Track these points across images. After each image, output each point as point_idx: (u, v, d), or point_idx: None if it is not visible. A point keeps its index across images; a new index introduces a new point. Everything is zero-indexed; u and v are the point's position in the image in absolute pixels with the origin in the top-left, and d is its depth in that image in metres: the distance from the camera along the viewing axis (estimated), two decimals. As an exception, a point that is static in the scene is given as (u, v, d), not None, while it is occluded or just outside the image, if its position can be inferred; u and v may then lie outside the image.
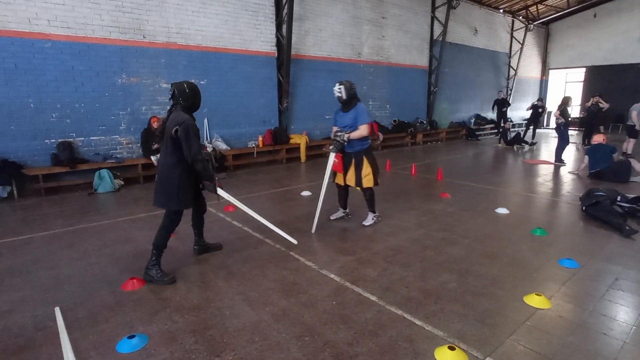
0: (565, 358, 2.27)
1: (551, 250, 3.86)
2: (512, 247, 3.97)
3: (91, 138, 6.82)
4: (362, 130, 4.28)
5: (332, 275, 3.31)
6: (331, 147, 4.39)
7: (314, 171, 8.25)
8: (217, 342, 2.40)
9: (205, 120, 8.09)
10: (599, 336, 2.47)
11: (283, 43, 8.98)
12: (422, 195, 6.24)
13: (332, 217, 4.88)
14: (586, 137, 11.97)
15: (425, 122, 13.40)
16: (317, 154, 9.95)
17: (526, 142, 12.23)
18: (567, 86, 19.42)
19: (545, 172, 8.27)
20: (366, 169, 4.38)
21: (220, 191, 3.40)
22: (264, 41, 8.90)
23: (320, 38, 10.08)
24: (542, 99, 13.94)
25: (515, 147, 12.05)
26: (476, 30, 15.16)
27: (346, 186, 4.62)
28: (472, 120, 15.71)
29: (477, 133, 14.86)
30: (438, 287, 3.11)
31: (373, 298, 2.94)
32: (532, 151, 11.57)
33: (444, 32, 13.14)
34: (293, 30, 9.04)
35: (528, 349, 2.34)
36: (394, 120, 12.45)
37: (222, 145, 8.13)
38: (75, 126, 6.59)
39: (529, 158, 10.24)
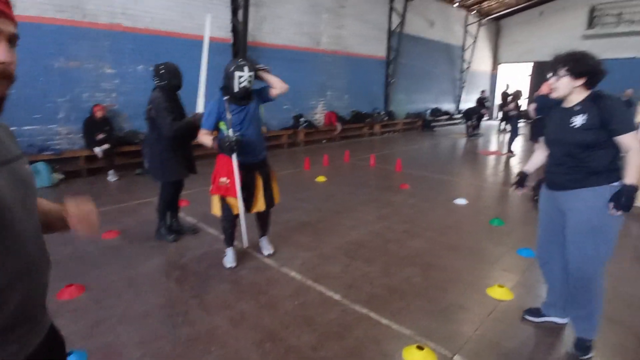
0: (530, 350, 2.27)
1: (509, 240, 3.93)
2: (473, 238, 4.01)
3: (24, 128, 6.13)
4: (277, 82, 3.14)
5: (293, 274, 3.15)
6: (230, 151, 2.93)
7: (271, 163, 7.99)
8: (167, 355, 2.17)
9: (156, 109, 7.56)
10: (560, 326, 2.49)
11: (239, 29, 8.58)
12: (382, 186, 6.21)
13: (228, 266, 3.25)
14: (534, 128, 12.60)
15: (383, 112, 13.50)
16: (275, 144, 9.70)
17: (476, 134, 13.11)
18: (516, 80, 20.34)
19: (497, 163, 8.57)
20: (274, 180, 3.39)
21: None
22: (218, 27, 8.44)
23: (278, 25, 9.75)
24: (484, 91, 14.50)
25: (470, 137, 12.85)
26: (432, 23, 15.42)
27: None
28: (429, 112, 16.05)
29: (433, 124, 15.22)
30: (403, 282, 3.05)
31: (337, 297, 2.81)
32: (483, 141, 12.02)
33: (402, 24, 13.22)
34: (250, 16, 8.66)
35: (494, 343, 2.32)
36: (352, 111, 12.41)
37: (175, 136, 7.66)
38: (4, 115, 5.88)
39: (483, 149, 10.60)
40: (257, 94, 3.12)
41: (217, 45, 8.39)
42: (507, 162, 8.63)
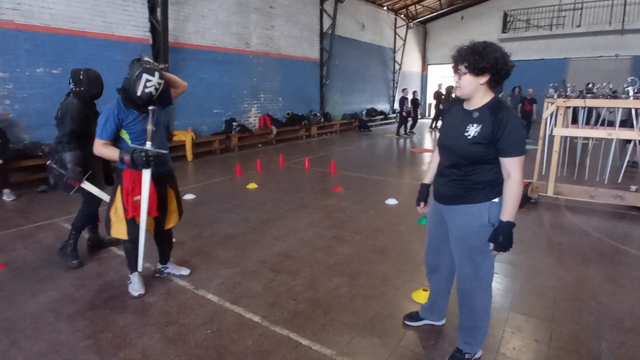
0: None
1: (435, 240, 3.95)
2: (401, 240, 3.98)
3: None
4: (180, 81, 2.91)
5: (209, 296, 2.86)
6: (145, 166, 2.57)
7: (201, 170, 7.55)
8: (41, 417, 1.79)
9: (63, 117, 6.76)
10: (440, 327, 2.49)
11: (158, 29, 8.00)
12: (315, 190, 6.08)
13: (135, 294, 2.85)
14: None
15: (319, 114, 13.46)
16: (205, 151, 9.22)
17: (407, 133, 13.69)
18: (443, 80, 21.41)
19: (429, 160, 8.84)
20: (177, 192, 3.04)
21: (87, 184, 3.13)
22: (134, 25, 7.81)
23: (203, 25, 9.27)
24: (415, 91, 15.09)
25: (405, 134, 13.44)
26: (363, 25, 15.71)
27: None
28: (364, 112, 16.33)
29: (368, 124, 15.50)
30: (328, 295, 2.89)
31: (256, 319, 2.57)
32: (416, 139, 12.45)
33: (333, 25, 13.28)
34: (170, 15, 8.11)
35: (416, 355, 2.22)
36: (288, 113, 12.22)
37: (88, 146, 6.92)
38: None
39: (415, 147, 10.93)
40: (157, 98, 2.78)
41: (134, 46, 7.79)
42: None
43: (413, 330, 2.46)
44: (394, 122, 17.48)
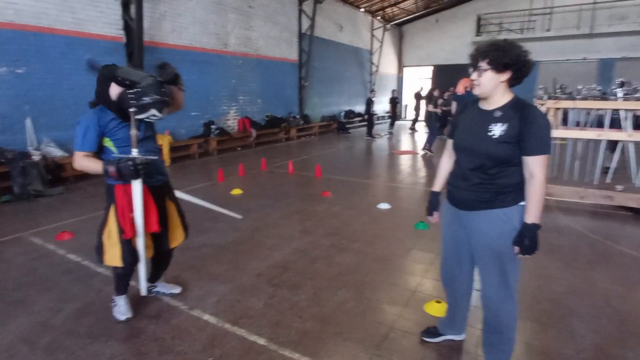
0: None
1: (435, 246, 3.81)
2: (401, 246, 3.83)
3: None
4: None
5: (206, 317, 2.60)
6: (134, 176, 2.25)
7: (180, 176, 7.18)
8: None
9: (29, 121, 6.23)
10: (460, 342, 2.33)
11: (133, 27, 7.57)
12: (303, 195, 5.86)
13: (122, 318, 2.55)
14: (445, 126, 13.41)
15: (298, 116, 13.24)
16: (183, 155, 8.82)
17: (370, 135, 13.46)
18: (421, 84, 21.68)
19: (413, 162, 8.80)
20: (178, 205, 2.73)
21: None
22: (106, 22, 7.34)
23: (180, 24, 8.87)
24: (395, 90, 15.16)
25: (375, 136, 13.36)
26: (341, 27, 15.62)
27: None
28: (342, 114, 16.23)
29: (347, 126, 15.40)
30: (336, 310, 2.69)
31: (261, 341, 2.34)
32: (394, 141, 12.44)
33: (312, 26, 13.10)
34: (145, 13, 7.68)
35: (442, 377, 2.06)
36: (267, 116, 11.93)
37: (57, 152, 6.42)
38: None
39: (396, 149, 10.89)
40: None
41: (107, 45, 7.36)
42: (425, 161, 8.90)
43: (433, 347, 2.30)
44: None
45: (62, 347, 2.29)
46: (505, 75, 1.74)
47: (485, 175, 1.82)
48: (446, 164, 2.12)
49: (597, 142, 5.00)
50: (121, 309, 2.57)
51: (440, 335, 2.33)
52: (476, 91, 1.82)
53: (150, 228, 2.40)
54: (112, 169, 2.18)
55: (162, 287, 2.86)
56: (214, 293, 2.91)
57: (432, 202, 2.20)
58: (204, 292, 2.92)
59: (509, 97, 1.79)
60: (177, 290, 2.88)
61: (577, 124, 5.09)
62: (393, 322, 2.54)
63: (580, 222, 4.55)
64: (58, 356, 2.21)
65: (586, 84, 5.23)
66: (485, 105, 1.84)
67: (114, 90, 2.22)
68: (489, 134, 1.77)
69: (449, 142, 2.08)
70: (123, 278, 2.51)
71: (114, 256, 2.36)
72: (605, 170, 5.18)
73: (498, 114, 1.78)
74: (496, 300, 1.91)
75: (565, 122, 5.24)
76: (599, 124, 4.90)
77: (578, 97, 4.78)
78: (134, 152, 2.27)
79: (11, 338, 2.37)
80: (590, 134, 4.81)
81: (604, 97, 4.69)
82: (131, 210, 2.31)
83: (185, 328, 2.47)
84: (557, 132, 4.97)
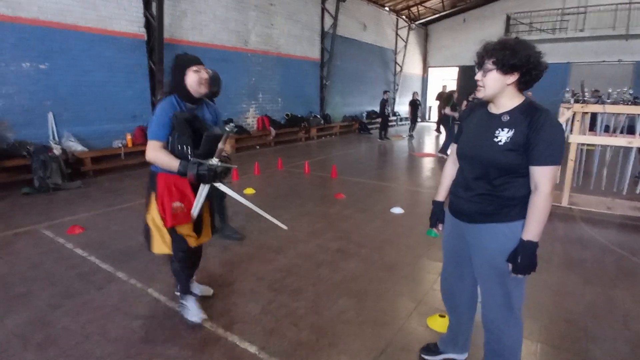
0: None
1: (448, 255, 3.65)
2: (411, 254, 3.67)
3: None
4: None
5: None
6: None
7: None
8: None
9: (51, 116, 6.42)
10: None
11: (154, 24, 7.67)
12: (316, 197, 5.76)
13: (198, 320, 2.48)
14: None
15: (318, 115, 13.16)
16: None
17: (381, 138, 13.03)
18: (444, 83, 21.18)
19: (432, 166, 8.55)
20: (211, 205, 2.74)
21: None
22: (129, 20, 7.47)
23: (200, 22, 8.94)
24: (415, 92, 14.85)
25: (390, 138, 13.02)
26: (365, 26, 15.43)
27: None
28: (365, 114, 16.04)
29: (369, 127, 15.21)
30: (334, 320, 2.58)
31: (252, 349, 2.26)
32: (415, 143, 12.16)
33: (335, 25, 12.98)
34: (166, 10, 7.78)
35: (439, 401, 1.92)
36: (287, 114, 11.90)
37: (77, 146, 6.58)
38: None
39: (417, 151, 10.64)
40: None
41: (128, 42, 7.48)
42: (442, 165, 8.65)
43: (433, 366, 2.16)
44: (394, 125, 17.23)
45: (57, 342, 2.29)
46: (512, 78, 1.57)
47: (490, 186, 1.66)
48: (450, 170, 1.97)
49: (627, 149, 4.68)
50: (192, 311, 2.48)
51: (440, 353, 2.18)
52: (479, 94, 1.66)
53: (187, 220, 2.31)
54: (191, 173, 2.14)
55: (195, 288, 2.76)
56: (212, 296, 2.85)
57: (436, 213, 2.06)
58: (201, 296, 2.86)
59: (519, 100, 1.62)
60: (209, 292, 2.83)
61: (607, 129, 4.78)
62: (392, 336, 2.41)
63: (606, 235, 4.26)
64: (49, 354, 2.20)
65: (621, 88, 4.90)
66: (494, 109, 1.68)
67: (191, 79, 2.21)
68: (495, 139, 1.61)
69: (454, 147, 1.93)
70: (181, 274, 2.45)
71: (161, 244, 2.30)
72: (635, 180, 4.84)
73: (506, 118, 1.62)
74: (498, 322, 1.76)
75: (592, 126, 4.92)
76: (630, 130, 4.57)
77: (608, 101, 4.47)
78: (215, 161, 2.23)
79: (6, 333, 2.38)
80: (621, 140, 4.49)
81: (635, 101, 4.36)
82: (173, 199, 2.25)
83: (178, 332, 2.42)
84: (585, 138, 4.68)
